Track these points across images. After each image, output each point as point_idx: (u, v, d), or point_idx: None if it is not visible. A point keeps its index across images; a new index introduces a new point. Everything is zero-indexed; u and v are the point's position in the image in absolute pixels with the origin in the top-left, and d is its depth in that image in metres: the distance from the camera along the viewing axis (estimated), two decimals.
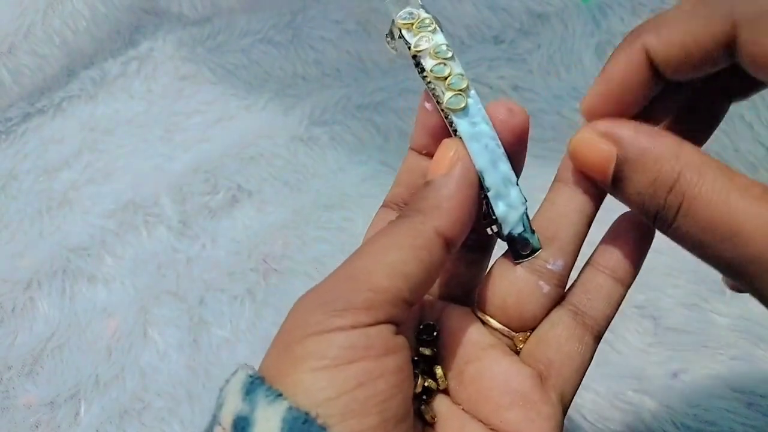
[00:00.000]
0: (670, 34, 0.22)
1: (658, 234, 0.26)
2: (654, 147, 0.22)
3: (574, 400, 0.31)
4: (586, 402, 0.43)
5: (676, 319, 0.46)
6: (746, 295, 0.49)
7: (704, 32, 0.21)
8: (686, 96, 0.26)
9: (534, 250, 0.26)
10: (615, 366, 0.45)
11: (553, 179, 0.27)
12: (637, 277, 0.27)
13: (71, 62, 0.62)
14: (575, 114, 0.56)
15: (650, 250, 0.26)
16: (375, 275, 0.22)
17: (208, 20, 0.62)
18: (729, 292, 0.47)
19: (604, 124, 0.23)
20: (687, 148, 0.22)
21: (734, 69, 0.23)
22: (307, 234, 0.55)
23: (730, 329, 0.46)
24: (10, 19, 0.59)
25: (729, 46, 0.21)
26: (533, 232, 0.26)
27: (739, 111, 0.52)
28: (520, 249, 0.26)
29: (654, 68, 0.23)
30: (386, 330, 0.21)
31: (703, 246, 0.21)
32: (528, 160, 0.27)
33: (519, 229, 0.26)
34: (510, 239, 0.26)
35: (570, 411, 0.43)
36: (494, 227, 0.26)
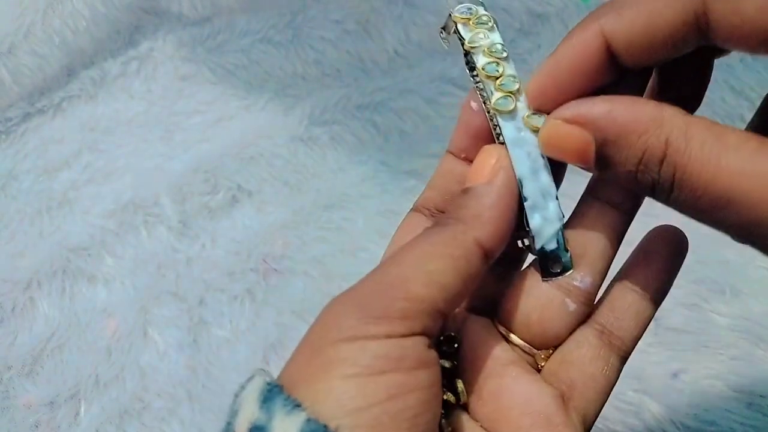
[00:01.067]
0: (633, 16, 0.20)
1: None
2: (633, 119, 0.20)
3: None
4: None
5: (676, 319, 0.46)
6: (746, 295, 0.49)
7: (671, 11, 0.19)
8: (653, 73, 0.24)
9: (565, 269, 0.25)
10: None
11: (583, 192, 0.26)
12: None
13: (71, 62, 0.61)
14: None
15: None
16: (412, 284, 0.21)
17: (208, 20, 0.62)
18: (729, 292, 0.47)
19: (570, 109, 0.21)
20: (668, 111, 0.20)
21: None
22: (307, 234, 0.55)
23: (730, 329, 0.46)
24: (9, 19, 0.59)
25: (699, 24, 0.19)
26: (567, 250, 0.25)
27: (739, 111, 0.52)
28: (550, 266, 0.25)
29: (611, 54, 0.21)
30: (420, 342, 0.21)
31: (704, 213, 0.20)
32: None
33: (552, 246, 0.25)
34: (542, 254, 0.25)
35: None
36: (525, 240, 0.25)
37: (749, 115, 0.53)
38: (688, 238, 0.26)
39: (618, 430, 0.43)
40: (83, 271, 0.54)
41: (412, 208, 0.27)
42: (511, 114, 0.24)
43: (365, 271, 0.22)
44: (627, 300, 0.25)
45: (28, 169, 0.59)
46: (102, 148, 0.60)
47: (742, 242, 0.20)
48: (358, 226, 0.55)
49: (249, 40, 0.62)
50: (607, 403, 0.25)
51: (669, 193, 0.20)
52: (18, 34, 0.59)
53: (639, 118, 0.20)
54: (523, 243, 0.25)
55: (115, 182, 0.58)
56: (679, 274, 0.27)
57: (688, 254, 0.26)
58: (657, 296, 0.26)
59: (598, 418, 0.43)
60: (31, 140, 0.61)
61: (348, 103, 0.59)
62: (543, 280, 0.25)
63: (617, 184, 0.24)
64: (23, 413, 0.49)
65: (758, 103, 0.51)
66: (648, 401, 0.43)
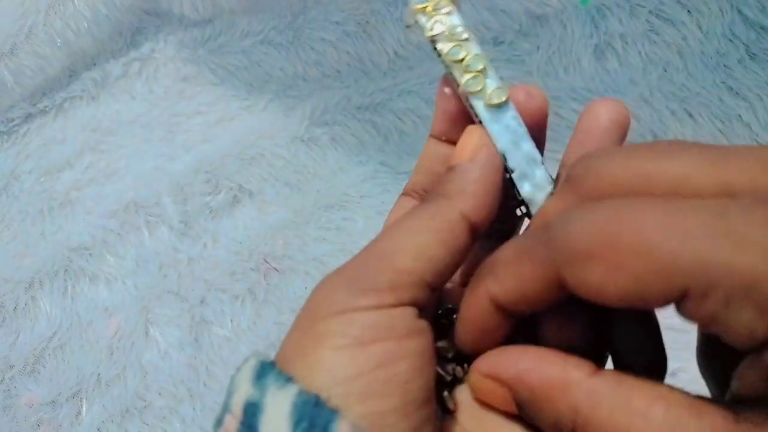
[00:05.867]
0: (506, 280, 0.21)
1: None
2: (540, 384, 0.20)
3: None
4: None
5: (675, 319, 0.46)
6: None
7: (533, 278, 0.20)
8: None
9: None
10: None
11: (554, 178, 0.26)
12: None
13: (73, 63, 0.62)
14: (573, 115, 0.56)
15: None
16: (399, 257, 0.21)
17: (209, 22, 0.63)
18: None
19: (487, 364, 0.22)
20: (574, 373, 0.20)
21: None
22: (308, 234, 0.55)
23: None
24: (11, 20, 0.60)
25: (562, 284, 0.19)
26: None
27: (737, 112, 0.53)
28: None
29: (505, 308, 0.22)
30: (409, 312, 0.21)
31: None
32: None
33: None
34: None
35: None
36: (522, 208, 0.25)
37: (747, 116, 0.54)
38: None
39: None
40: (85, 270, 0.54)
41: (402, 193, 0.28)
42: (482, 93, 0.24)
43: None
44: None
45: (30, 170, 0.60)
46: (104, 149, 0.60)
47: None
48: (358, 226, 0.55)
49: (250, 41, 0.62)
50: None
51: None
52: (20, 35, 0.59)
53: (546, 383, 0.20)
54: (521, 211, 0.25)
55: (116, 182, 0.59)
56: None
57: None
58: None
59: None
60: (33, 141, 0.61)
61: (348, 104, 0.60)
62: None
63: None
64: (25, 412, 0.49)
65: (756, 103, 0.52)
66: None
